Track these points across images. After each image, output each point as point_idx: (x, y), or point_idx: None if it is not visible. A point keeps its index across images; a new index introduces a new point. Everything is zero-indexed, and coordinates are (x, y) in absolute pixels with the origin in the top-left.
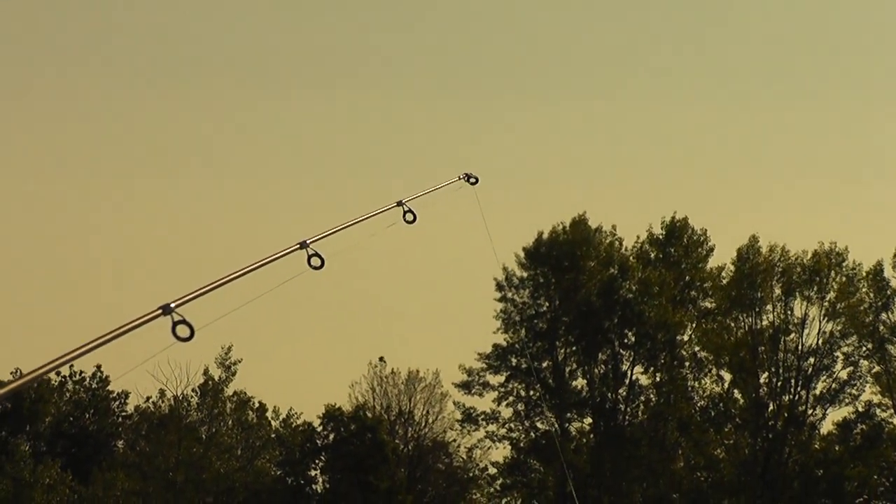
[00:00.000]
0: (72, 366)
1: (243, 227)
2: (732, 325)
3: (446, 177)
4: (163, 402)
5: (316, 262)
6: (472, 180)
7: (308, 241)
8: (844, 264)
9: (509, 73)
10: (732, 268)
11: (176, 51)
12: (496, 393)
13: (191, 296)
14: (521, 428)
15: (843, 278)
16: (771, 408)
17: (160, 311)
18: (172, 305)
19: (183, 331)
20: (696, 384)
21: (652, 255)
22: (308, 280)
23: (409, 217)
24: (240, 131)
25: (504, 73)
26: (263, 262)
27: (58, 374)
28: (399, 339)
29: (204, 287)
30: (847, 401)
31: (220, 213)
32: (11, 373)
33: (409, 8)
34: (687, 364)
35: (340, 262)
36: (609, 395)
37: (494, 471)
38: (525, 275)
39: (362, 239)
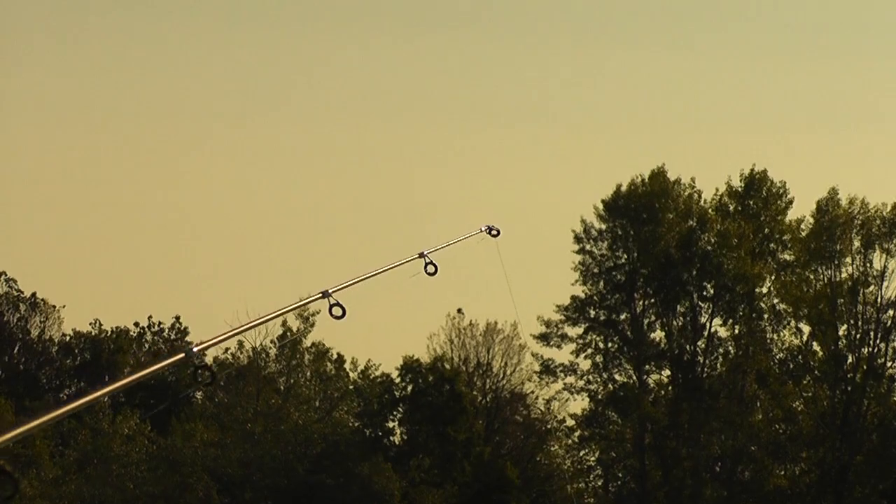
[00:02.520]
0: (150, 317)
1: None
2: (811, 277)
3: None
4: (241, 353)
5: (337, 311)
6: (494, 233)
7: (330, 291)
8: None
9: (592, 19)
10: (812, 220)
11: None
12: (574, 345)
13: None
14: (599, 380)
15: None
16: (850, 360)
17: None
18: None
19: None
20: (775, 336)
21: (731, 208)
22: (386, 236)
23: (431, 269)
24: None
25: (587, 19)
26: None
27: (136, 324)
28: (477, 291)
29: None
30: None
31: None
32: (90, 323)
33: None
34: (766, 316)
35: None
36: (687, 347)
37: (572, 423)
38: (604, 227)
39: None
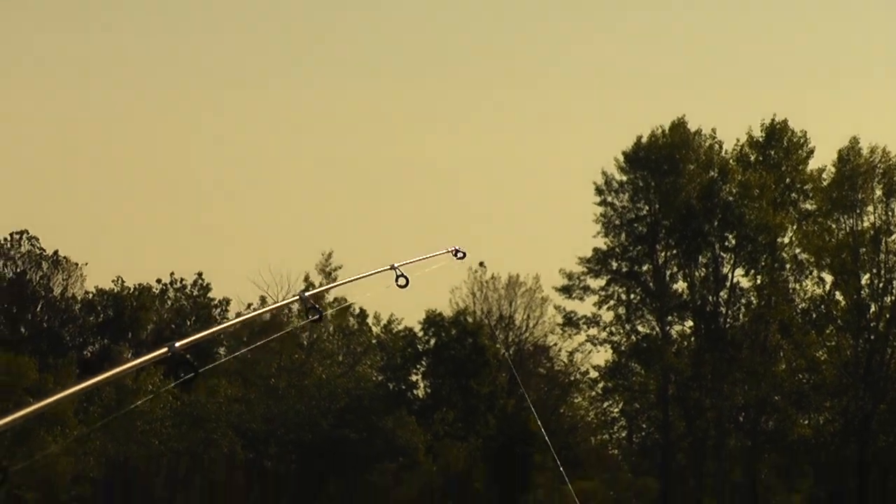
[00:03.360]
0: (172, 273)
1: None
2: (833, 226)
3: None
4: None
5: (313, 314)
6: (460, 255)
7: (307, 295)
8: None
9: None
10: (833, 169)
11: None
12: (597, 297)
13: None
14: (622, 331)
15: None
16: (873, 309)
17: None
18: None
19: (401, 281)
20: (798, 286)
21: (752, 158)
22: (409, 188)
23: (402, 282)
24: None
25: None
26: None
27: (159, 281)
28: (499, 244)
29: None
30: None
31: None
32: (113, 280)
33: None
34: (788, 266)
35: None
36: (710, 298)
37: (595, 374)
38: (625, 178)
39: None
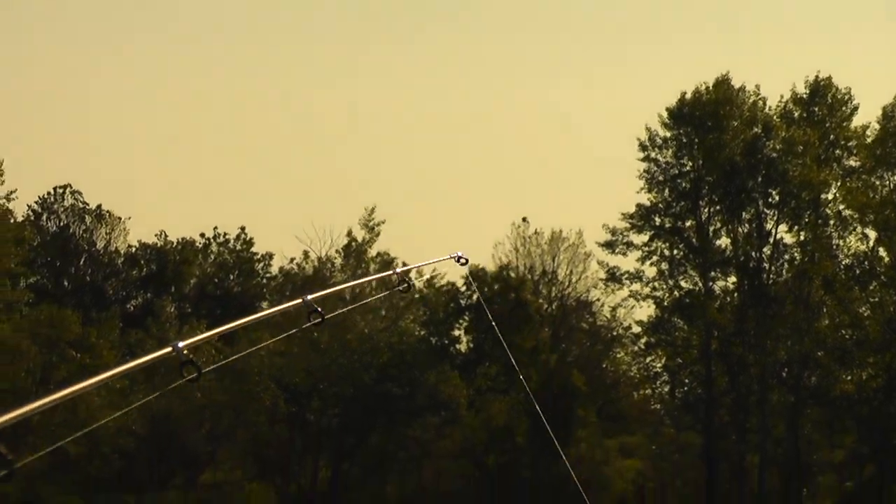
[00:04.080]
0: (216, 227)
1: None
2: (877, 183)
3: None
4: (307, 263)
5: (315, 317)
6: (462, 261)
7: (309, 298)
8: None
9: None
10: (877, 126)
11: None
12: (640, 252)
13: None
14: (664, 287)
15: None
16: None
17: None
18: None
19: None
20: (841, 242)
21: (796, 115)
22: (456, 142)
23: (403, 286)
24: None
25: None
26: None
27: (202, 235)
28: (542, 199)
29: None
30: None
31: None
32: (156, 234)
33: None
34: (831, 222)
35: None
36: (753, 253)
37: (638, 329)
38: (668, 135)
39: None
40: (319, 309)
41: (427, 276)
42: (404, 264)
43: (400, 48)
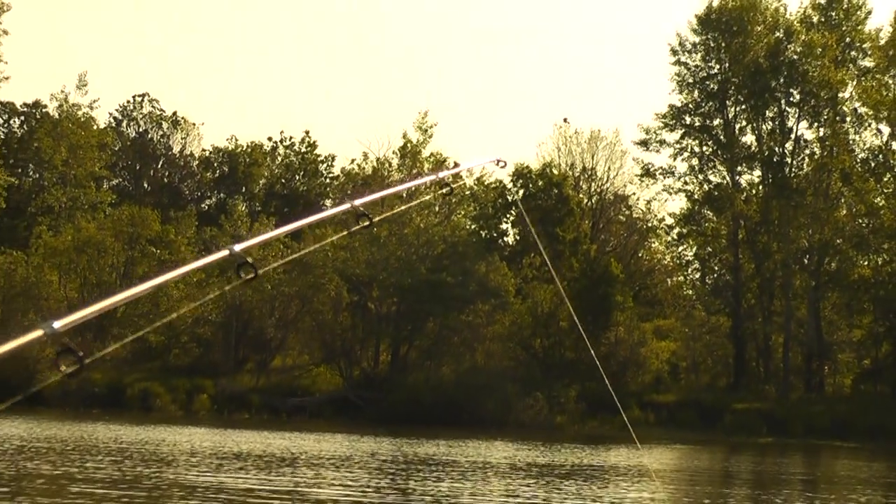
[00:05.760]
0: (282, 131)
1: None
2: (890, 82)
3: None
4: (366, 163)
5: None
6: (501, 164)
7: (357, 203)
8: None
9: None
10: (890, 29)
11: None
12: (672, 149)
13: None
14: (695, 181)
15: None
16: None
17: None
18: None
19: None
20: (857, 137)
21: (815, 19)
22: (504, 50)
23: (446, 189)
24: None
25: None
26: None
27: (269, 139)
28: (582, 101)
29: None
30: None
31: None
32: (227, 139)
33: None
34: (848, 119)
35: None
36: (776, 149)
37: (671, 221)
38: (697, 40)
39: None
40: (368, 213)
41: (476, 176)
42: (456, 164)
43: None
